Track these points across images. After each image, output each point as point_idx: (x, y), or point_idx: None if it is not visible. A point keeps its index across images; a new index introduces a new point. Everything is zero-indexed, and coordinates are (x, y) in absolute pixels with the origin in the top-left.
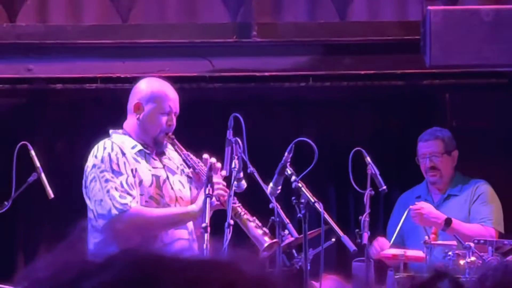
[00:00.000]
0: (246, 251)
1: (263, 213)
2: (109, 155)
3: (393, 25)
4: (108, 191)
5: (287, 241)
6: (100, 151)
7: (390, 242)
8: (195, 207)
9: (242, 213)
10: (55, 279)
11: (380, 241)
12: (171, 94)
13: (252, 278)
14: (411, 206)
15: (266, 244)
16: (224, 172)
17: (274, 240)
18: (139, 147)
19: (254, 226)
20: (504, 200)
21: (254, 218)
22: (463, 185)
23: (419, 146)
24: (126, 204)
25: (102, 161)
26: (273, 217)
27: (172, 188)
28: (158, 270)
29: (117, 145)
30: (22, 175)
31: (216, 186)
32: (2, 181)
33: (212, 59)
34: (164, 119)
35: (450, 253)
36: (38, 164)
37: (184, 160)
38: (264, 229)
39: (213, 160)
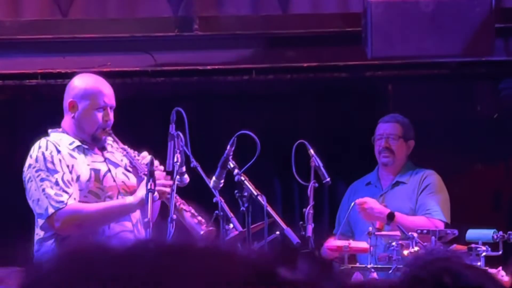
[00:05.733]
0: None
1: (207, 207)
2: (43, 154)
3: (335, 17)
4: (43, 190)
5: (232, 235)
6: (35, 151)
7: (338, 230)
8: (132, 199)
9: (178, 203)
10: None
11: (330, 242)
12: (105, 89)
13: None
14: (355, 201)
15: (201, 233)
16: (162, 167)
17: (210, 229)
18: (77, 143)
19: (189, 216)
20: (447, 190)
21: (190, 208)
22: (413, 174)
23: (378, 126)
24: (62, 201)
25: (36, 160)
26: (217, 211)
27: (114, 180)
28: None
29: (52, 143)
30: None
31: (158, 182)
32: None
33: (153, 53)
34: (99, 115)
35: (394, 243)
36: None
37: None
38: (200, 218)
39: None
